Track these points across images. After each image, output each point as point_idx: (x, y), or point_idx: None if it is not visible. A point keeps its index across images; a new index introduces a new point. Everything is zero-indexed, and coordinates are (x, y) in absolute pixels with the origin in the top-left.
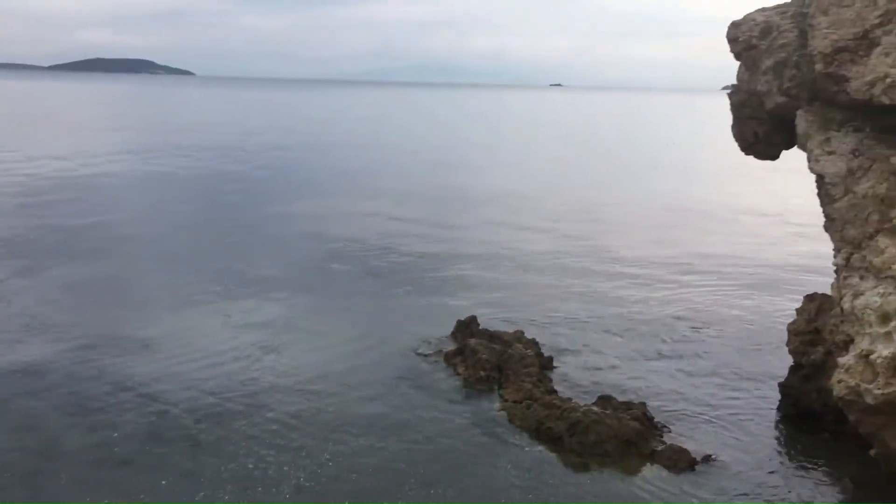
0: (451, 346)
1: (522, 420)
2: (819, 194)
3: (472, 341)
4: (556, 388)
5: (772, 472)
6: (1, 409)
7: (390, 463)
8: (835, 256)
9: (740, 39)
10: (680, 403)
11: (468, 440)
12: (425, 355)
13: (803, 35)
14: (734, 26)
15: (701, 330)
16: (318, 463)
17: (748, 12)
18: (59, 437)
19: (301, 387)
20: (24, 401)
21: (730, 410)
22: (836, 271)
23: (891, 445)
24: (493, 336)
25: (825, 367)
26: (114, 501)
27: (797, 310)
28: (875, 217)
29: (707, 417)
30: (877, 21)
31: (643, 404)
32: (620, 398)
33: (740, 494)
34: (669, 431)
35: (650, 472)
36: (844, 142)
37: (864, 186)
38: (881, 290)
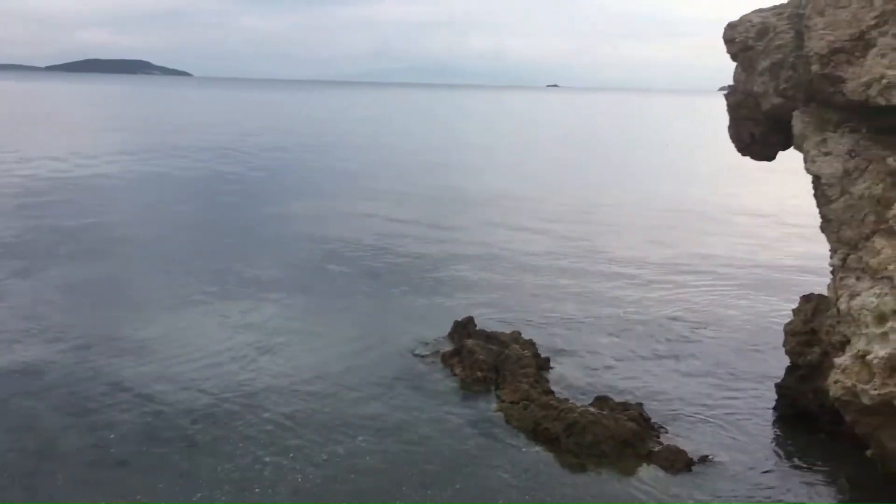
0: (448, 347)
1: (519, 421)
2: (815, 195)
3: (469, 342)
4: (553, 388)
5: (768, 473)
6: None
7: (387, 464)
8: (831, 257)
9: (737, 40)
10: (677, 404)
11: (465, 441)
12: (422, 356)
13: (800, 36)
14: (731, 27)
15: (698, 330)
16: (315, 464)
17: (745, 13)
18: (56, 437)
19: (298, 387)
20: (21, 401)
21: (726, 411)
22: (832, 272)
23: (887, 446)
24: (490, 337)
25: (822, 367)
26: (111, 502)
27: (794, 310)
28: (871, 218)
29: (704, 418)
30: (873, 22)
31: (640, 405)
32: (617, 399)
33: (737, 495)
34: (666, 432)
35: (647, 472)
36: (841, 143)
37: (860, 187)
38: (877, 291)
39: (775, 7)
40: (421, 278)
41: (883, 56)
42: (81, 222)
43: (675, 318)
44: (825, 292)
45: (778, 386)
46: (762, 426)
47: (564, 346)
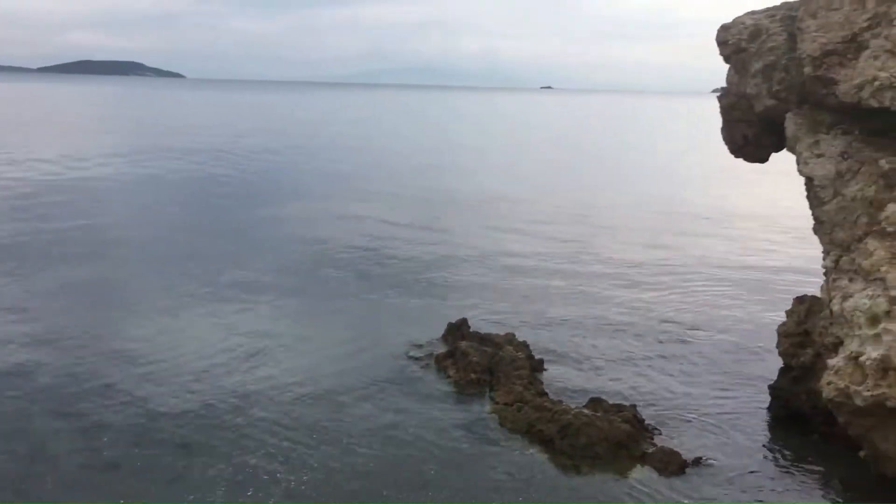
0: (441, 349)
1: (513, 422)
2: (808, 197)
3: (463, 344)
4: (547, 390)
5: (762, 474)
6: None
7: (381, 466)
8: (824, 259)
9: (730, 42)
10: (670, 405)
11: (459, 443)
12: (416, 358)
13: (792, 38)
14: (724, 29)
15: (691, 332)
16: (308, 466)
17: (738, 15)
18: (47, 440)
19: (291, 390)
20: (11, 404)
21: (720, 412)
22: (825, 273)
23: (880, 447)
24: (483, 338)
25: (815, 368)
26: (104, 502)
27: (787, 312)
28: (864, 220)
29: (697, 419)
30: (865, 24)
31: (634, 406)
32: (611, 400)
33: (730, 496)
34: (660, 433)
35: (641, 473)
36: (833, 144)
37: (852, 189)
38: (870, 293)
39: (768, 9)
40: (414, 280)
41: (875, 58)
42: (73, 224)
43: (668, 320)
44: (818, 294)
45: (771, 387)
46: (755, 427)
47: (558, 348)
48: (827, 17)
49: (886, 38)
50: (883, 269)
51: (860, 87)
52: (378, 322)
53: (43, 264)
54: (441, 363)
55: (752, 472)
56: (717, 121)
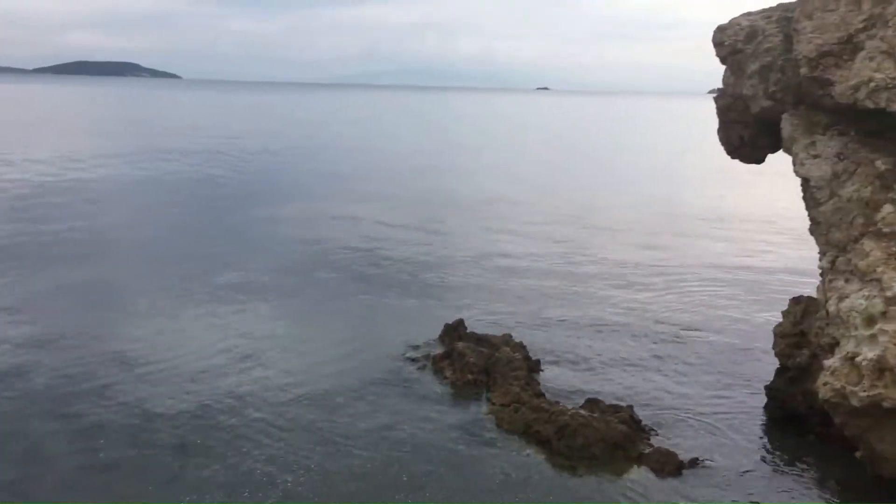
0: (438, 350)
1: (510, 423)
2: (804, 198)
3: (460, 345)
4: (544, 391)
5: (758, 475)
6: None
7: (378, 467)
8: (820, 259)
9: (726, 44)
10: (667, 406)
11: (456, 444)
12: (413, 359)
13: (788, 39)
14: (720, 30)
15: (688, 333)
16: (304, 467)
17: (734, 16)
18: (43, 441)
19: (288, 391)
20: (8, 405)
21: (716, 413)
22: (821, 274)
23: (876, 448)
24: (480, 339)
25: (811, 369)
26: (103, 502)
27: (783, 312)
28: (860, 220)
29: (694, 420)
30: (861, 25)
31: (630, 407)
32: (608, 401)
33: (727, 497)
34: (657, 434)
35: (638, 474)
36: (829, 145)
37: (848, 190)
38: (866, 293)
39: (764, 10)
40: (411, 281)
41: (871, 59)
42: (70, 225)
43: (665, 321)
44: (814, 294)
45: (767, 388)
46: (752, 428)
47: (555, 349)
48: (823, 18)
49: (882, 39)
50: (879, 269)
51: (856, 88)
52: (375, 323)
53: (40, 265)
54: (438, 364)
55: (748, 472)
56: (714, 122)
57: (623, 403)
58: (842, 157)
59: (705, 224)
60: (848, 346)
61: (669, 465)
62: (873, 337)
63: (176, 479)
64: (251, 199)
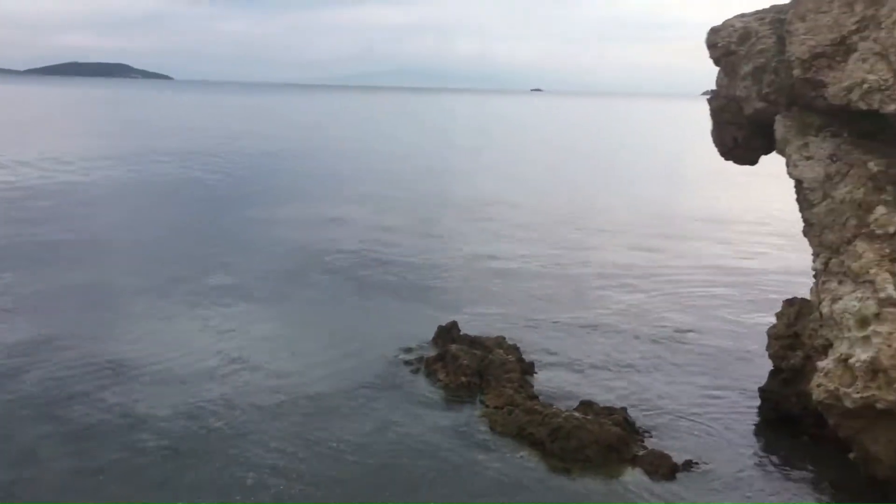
0: (432, 352)
1: (504, 426)
2: (798, 199)
3: (454, 347)
4: (538, 393)
5: (752, 476)
6: None
7: (370, 470)
8: (813, 261)
9: (719, 45)
10: (661, 408)
11: (449, 446)
12: (406, 361)
13: (781, 41)
14: (713, 32)
15: (681, 335)
16: (297, 470)
17: (727, 18)
18: (34, 445)
19: (280, 393)
20: None
21: (710, 415)
22: (814, 276)
23: (870, 449)
24: (474, 341)
25: (804, 371)
26: (94, 502)
27: (777, 314)
28: (853, 222)
29: (688, 422)
30: (854, 27)
31: (624, 409)
32: (602, 403)
33: (721, 498)
34: (650, 436)
35: (632, 476)
36: (822, 147)
37: (842, 191)
38: (859, 295)
39: (757, 12)
40: (404, 283)
41: (864, 61)
42: (60, 228)
43: (658, 323)
44: (808, 296)
45: (761, 390)
46: (746, 430)
47: (549, 351)
48: (816, 19)
49: (875, 40)
50: (872, 271)
51: (849, 90)
52: (368, 325)
53: (32, 268)
54: (431, 366)
55: (742, 474)
56: (708, 123)
57: (617, 405)
58: (835, 159)
59: (699, 226)
60: (841, 348)
61: (663, 468)
62: (867, 338)
63: (168, 483)
64: (244, 200)
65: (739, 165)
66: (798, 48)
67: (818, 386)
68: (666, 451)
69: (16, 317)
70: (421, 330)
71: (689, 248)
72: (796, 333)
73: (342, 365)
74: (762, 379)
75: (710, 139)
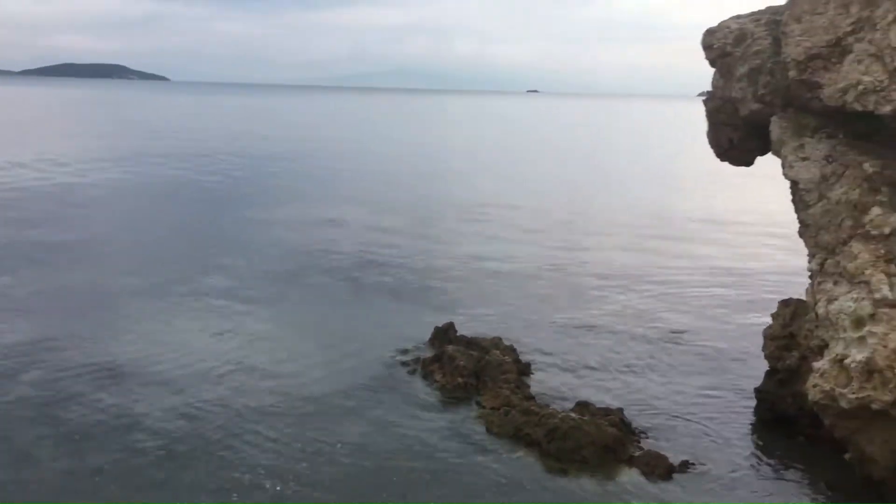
0: (428, 353)
1: (500, 427)
2: (793, 200)
3: (450, 348)
4: (534, 394)
5: (748, 477)
6: None
7: (367, 471)
8: (809, 262)
9: (715, 46)
10: (657, 409)
11: (446, 448)
12: (403, 363)
13: (777, 42)
14: (709, 33)
15: (677, 336)
16: (294, 471)
17: (723, 19)
18: (30, 447)
19: (277, 395)
20: None
21: (706, 415)
22: (810, 276)
23: (865, 449)
24: (470, 342)
25: (800, 371)
26: (90, 502)
27: (772, 315)
28: (848, 223)
29: (684, 422)
30: (849, 28)
31: (621, 410)
32: (598, 404)
33: (717, 498)
34: (647, 437)
35: (628, 477)
36: (818, 148)
37: (837, 192)
38: (855, 295)
39: (753, 13)
40: (401, 284)
41: (859, 62)
42: (56, 230)
43: (655, 323)
44: (804, 297)
45: (757, 390)
46: (742, 430)
47: (545, 352)
48: (811, 21)
49: (870, 42)
50: (867, 272)
51: (844, 91)
52: (364, 326)
53: (26, 270)
54: (428, 368)
55: (738, 474)
56: (704, 124)
57: (613, 406)
58: (830, 160)
59: (695, 226)
60: (837, 349)
61: (660, 468)
62: (862, 339)
63: (165, 483)
64: (241, 201)
65: (735, 166)
66: (794, 49)
67: (814, 386)
68: (662, 452)
69: (13, 318)
70: (417, 331)
71: (686, 249)
72: (792, 334)
73: (339, 366)
74: (758, 379)
75: (706, 140)
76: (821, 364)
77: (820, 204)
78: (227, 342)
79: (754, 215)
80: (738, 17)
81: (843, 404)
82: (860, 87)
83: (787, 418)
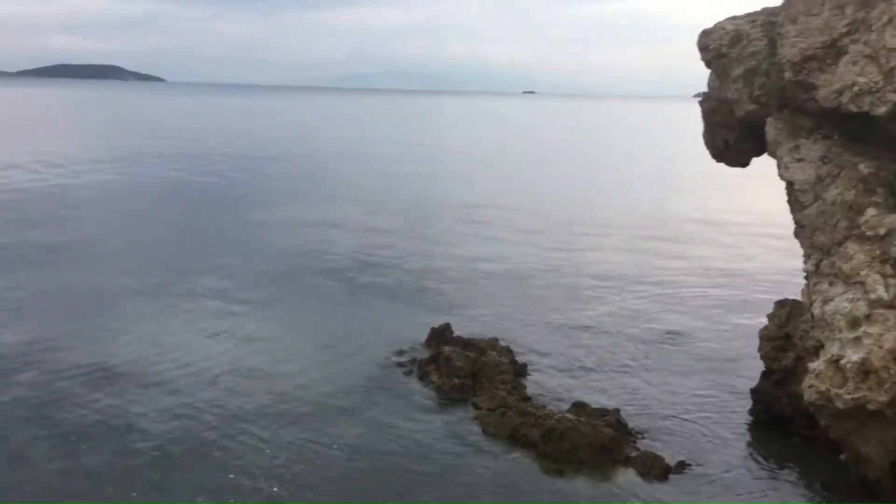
0: (425, 354)
1: (497, 428)
2: (789, 201)
3: (447, 349)
4: (531, 394)
5: (743, 477)
6: None
7: (364, 472)
8: (805, 262)
9: (710, 48)
10: (653, 409)
11: (443, 448)
12: (400, 364)
13: (773, 43)
14: (705, 35)
15: (673, 337)
16: (291, 472)
17: (719, 20)
18: (26, 448)
19: (273, 396)
20: None
21: (702, 416)
22: (806, 277)
23: (860, 450)
24: (467, 343)
25: (796, 372)
26: (86, 502)
27: (768, 315)
28: (844, 224)
29: (680, 423)
30: (844, 30)
31: (617, 411)
32: (595, 405)
33: (713, 498)
34: (643, 437)
35: (624, 477)
36: (813, 149)
37: (832, 193)
38: (850, 296)
39: (748, 15)
40: (398, 285)
41: (854, 63)
42: (52, 231)
43: (651, 324)
44: (799, 297)
45: (753, 391)
46: (738, 431)
47: (542, 353)
48: (807, 22)
49: (865, 43)
50: (863, 272)
51: (840, 92)
52: (361, 328)
53: (22, 271)
54: (424, 368)
55: (733, 474)
56: (700, 125)
57: (610, 407)
58: (825, 161)
59: (691, 227)
60: (832, 349)
61: (656, 469)
62: (857, 340)
63: (161, 485)
64: (238, 203)
65: (731, 167)
66: (789, 51)
67: (809, 387)
68: (658, 453)
69: (9, 318)
70: (414, 332)
71: (682, 250)
72: (788, 335)
73: (335, 367)
74: (754, 380)
75: (702, 141)
76: (816, 365)
77: (815, 205)
78: (224, 343)
79: (750, 216)
80: (734, 18)
81: (839, 405)
82: (855, 89)
83: (782, 419)
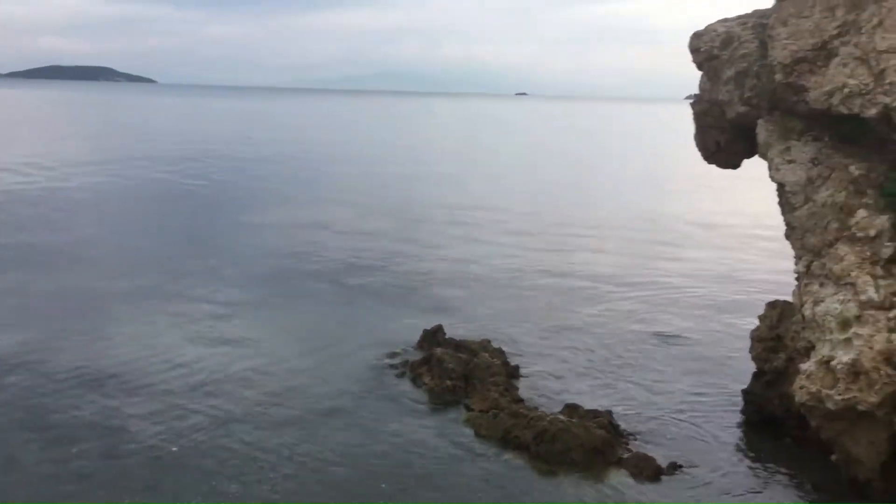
0: (417, 356)
1: (489, 430)
2: (780, 202)
3: (439, 350)
4: (523, 396)
5: (735, 478)
6: None
7: (356, 474)
8: (796, 264)
9: (702, 50)
10: (645, 411)
11: (435, 451)
12: (392, 366)
13: (763, 46)
14: (696, 37)
15: (665, 338)
16: (283, 475)
17: (710, 23)
18: (17, 451)
19: (264, 399)
20: None
21: (694, 417)
22: (797, 278)
23: (851, 450)
24: (459, 345)
25: (787, 373)
26: (78, 502)
27: (759, 317)
28: (834, 225)
29: (672, 424)
30: (835, 32)
31: (609, 412)
32: (587, 406)
33: (704, 499)
34: (635, 439)
35: (617, 478)
36: (804, 151)
37: (823, 195)
38: (841, 297)
39: (740, 17)
40: (390, 287)
41: (844, 65)
42: (43, 234)
43: (643, 326)
44: (790, 299)
45: (744, 392)
46: (729, 432)
47: (534, 354)
48: (797, 24)
49: (856, 45)
50: (853, 273)
51: (830, 94)
52: (353, 330)
53: (13, 274)
54: (416, 370)
55: (725, 475)
56: (691, 127)
57: (602, 408)
58: (816, 163)
59: (683, 229)
60: (823, 350)
61: (648, 470)
62: (848, 341)
63: (150, 489)
64: (229, 205)
65: (722, 169)
66: (780, 53)
67: (800, 388)
68: (650, 454)
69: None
70: (406, 334)
71: (673, 252)
72: (779, 336)
73: (327, 369)
74: (745, 381)
75: (693, 143)
76: (807, 366)
77: (806, 206)
78: (214, 346)
79: (741, 218)
80: (725, 20)
81: (830, 406)
82: (846, 90)
83: (774, 420)
